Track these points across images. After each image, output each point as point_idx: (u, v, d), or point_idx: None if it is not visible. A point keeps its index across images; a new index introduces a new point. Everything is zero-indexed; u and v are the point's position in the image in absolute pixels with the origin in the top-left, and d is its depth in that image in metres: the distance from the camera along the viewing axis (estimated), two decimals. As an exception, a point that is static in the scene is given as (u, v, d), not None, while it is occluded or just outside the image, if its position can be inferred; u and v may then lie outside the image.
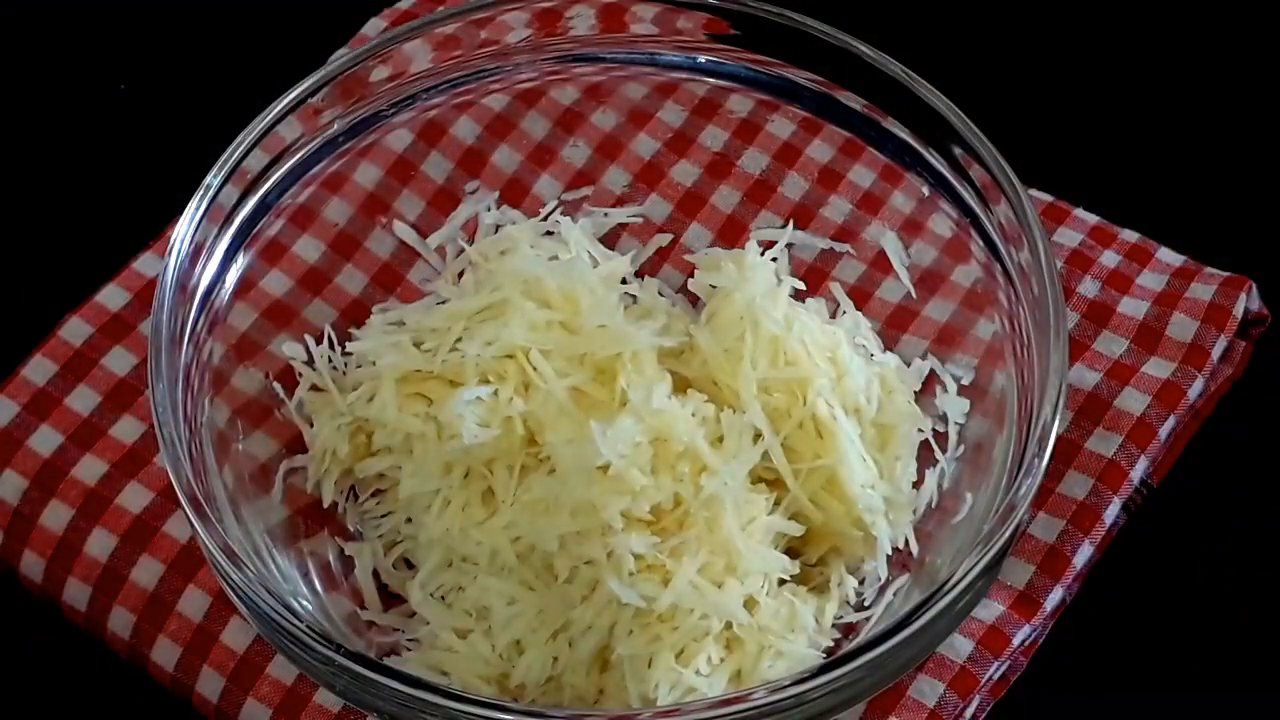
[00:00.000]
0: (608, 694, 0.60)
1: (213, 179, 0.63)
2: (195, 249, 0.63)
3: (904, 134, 0.66)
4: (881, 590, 0.63)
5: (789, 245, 0.69)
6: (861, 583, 0.64)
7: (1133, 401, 0.67)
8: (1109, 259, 0.70)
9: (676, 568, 0.60)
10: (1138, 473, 0.66)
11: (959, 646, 0.62)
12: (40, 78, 0.79)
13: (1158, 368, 0.68)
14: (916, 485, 0.65)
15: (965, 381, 0.66)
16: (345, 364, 0.66)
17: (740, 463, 0.61)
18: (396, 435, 0.63)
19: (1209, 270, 0.70)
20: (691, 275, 0.69)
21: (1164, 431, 0.67)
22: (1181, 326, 0.69)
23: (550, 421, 0.63)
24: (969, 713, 0.62)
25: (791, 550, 0.63)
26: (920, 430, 0.65)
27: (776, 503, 0.63)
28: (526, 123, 0.71)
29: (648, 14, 0.68)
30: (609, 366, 0.64)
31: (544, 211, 0.70)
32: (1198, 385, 0.68)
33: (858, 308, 0.68)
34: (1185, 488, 0.68)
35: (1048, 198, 0.72)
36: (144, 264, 0.70)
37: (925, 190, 0.66)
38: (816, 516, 0.63)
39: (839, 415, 0.63)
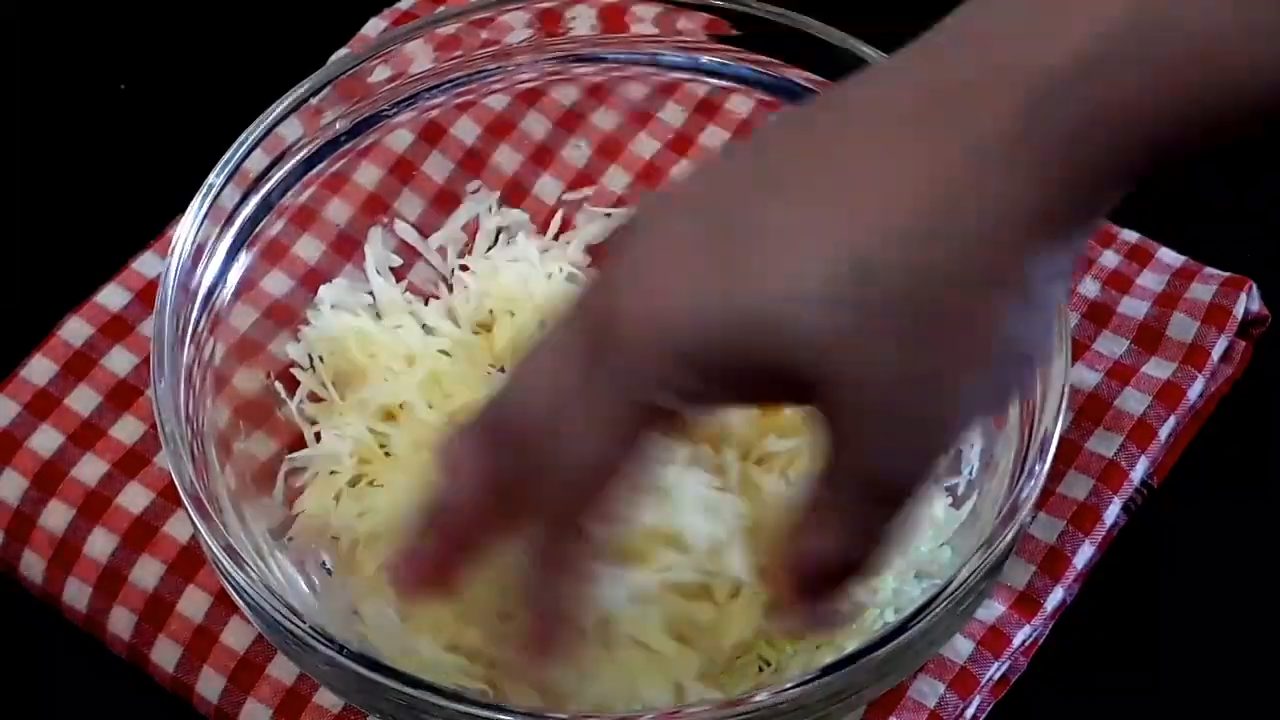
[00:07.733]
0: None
1: (215, 179, 0.63)
2: (197, 249, 0.63)
3: (904, 134, 0.66)
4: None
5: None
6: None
7: (1133, 402, 0.67)
8: (1109, 259, 0.70)
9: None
10: (1138, 473, 0.66)
11: (959, 647, 0.62)
12: (40, 78, 0.79)
13: (1158, 368, 0.68)
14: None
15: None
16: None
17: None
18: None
19: (1209, 270, 0.70)
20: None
21: (1164, 432, 0.67)
22: (1182, 327, 0.69)
23: None
24: (969, 713, 0.62)
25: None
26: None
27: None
28: (527, 123, 0.71)
29: (649, 14, 0.68)
30: None
31: (552, 223, 0.70)
32: (1198, 385, 0.68)
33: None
34: (1185, 488, 0.68)
35: (1048, 198, 0.72)
36: (144, 264, 0.70)
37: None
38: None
39: None
